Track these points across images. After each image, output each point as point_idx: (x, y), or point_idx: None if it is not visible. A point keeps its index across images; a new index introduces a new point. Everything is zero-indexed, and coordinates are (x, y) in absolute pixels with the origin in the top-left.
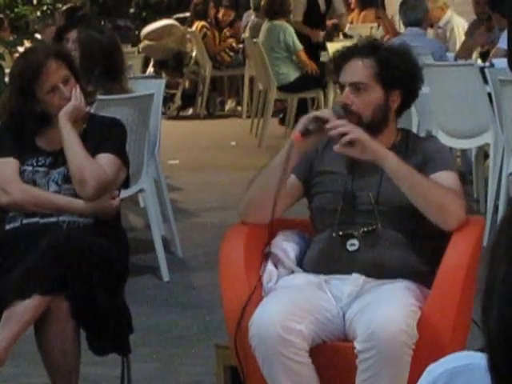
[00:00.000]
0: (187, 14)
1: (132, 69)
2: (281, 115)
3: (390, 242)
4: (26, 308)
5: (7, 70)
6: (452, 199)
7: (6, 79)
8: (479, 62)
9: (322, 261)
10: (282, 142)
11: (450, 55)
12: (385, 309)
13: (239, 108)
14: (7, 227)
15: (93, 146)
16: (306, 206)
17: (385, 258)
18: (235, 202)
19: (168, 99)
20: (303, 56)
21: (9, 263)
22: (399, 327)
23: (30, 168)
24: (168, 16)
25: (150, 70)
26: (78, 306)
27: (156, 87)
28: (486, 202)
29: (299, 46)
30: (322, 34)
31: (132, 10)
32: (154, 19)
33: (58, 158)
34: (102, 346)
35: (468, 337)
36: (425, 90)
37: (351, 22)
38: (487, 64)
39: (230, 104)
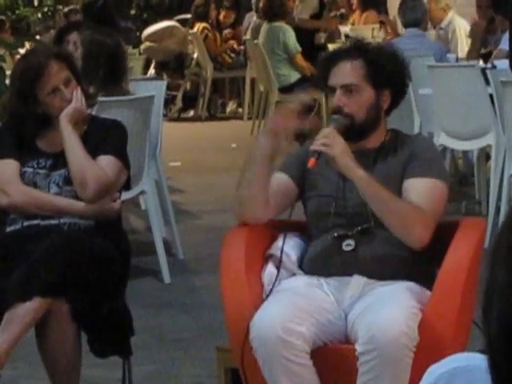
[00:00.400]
0: (188, 16)
1: (133, 70)
2: None
3: (385, 240)
4: (26, 310)
5: (8, 72)
6: (416, 220)
7: (7, 81)
8: (481, 63)
9: (321, 264)
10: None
11: (452, 56)
12: (386, 311)
13: (240, 110)
14: (8, 229)
15: (94, 148)
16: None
17: (381, 256)
18: None
19: (169, 101)
20: (299, 59)
21: (10, 265)
22: (400, 329)
23: (30, 170)
24: (169, 17)
25: (151, 71)
26: (79, 309)
27: (157, 89)
28: (487, 203)
29: (297, 48)
30: (334, 22)
31: (133, 12)
32: (155, 21)
33: (59, 159)
34: (102, 348)
35: (469, 338)
36: (427, 91)
37: (353, 24)
38: (489, 65)
39: (231, 106)
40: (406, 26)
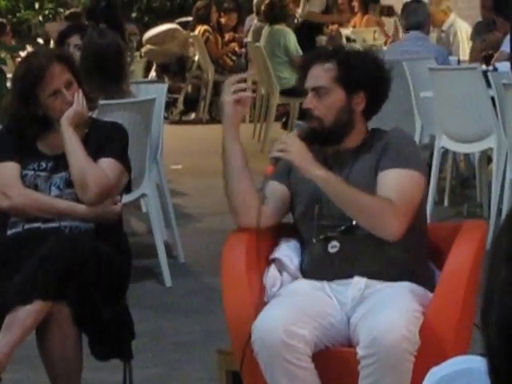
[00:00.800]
0: (190, 19)
1: (134, 73)
2: (283, 120)
3: (368, 237)
4: (27, 313)
5: (9, 75)
6: (383, 212)
7: (8, 84)
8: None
9: (314, 269)
10: None
11: (453, 59)
12: (387, 315)
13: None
14: (9, 232)
15: (94, 151)
16: None
17: (368, 253)
18: None
19: (170, 104)
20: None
21: (10, 268)
22: (401, 334)
23: (31, 172)
24: (170, 20)
25: (153, 74)
26: (80, 312)
27: (158, 92)
28: (489, 206)
29: (298, 51)
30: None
31: (134, 15)
32: (157, 23)
33: (60, 162)
34: (103, 351)
35: (470, 341)
36: (428, 93)
37: (354, 26)
38: (490, 68)
39: None
40: (408, 28)
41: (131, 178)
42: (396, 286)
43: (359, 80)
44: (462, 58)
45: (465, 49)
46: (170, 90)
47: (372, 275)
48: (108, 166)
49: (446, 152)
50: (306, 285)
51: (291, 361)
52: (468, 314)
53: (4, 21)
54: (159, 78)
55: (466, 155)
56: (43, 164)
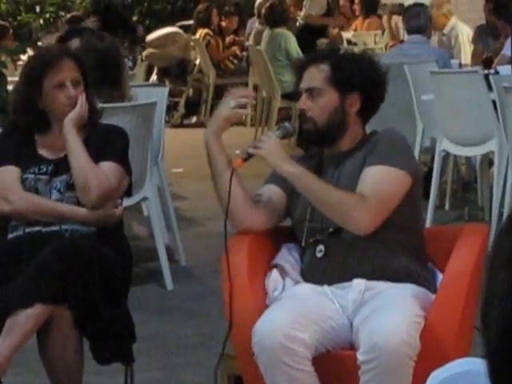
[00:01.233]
0: (191, 22)
1: (135, 77)
2: None
3: (354, 239)
4: (28, 317)
5: (10, 79)
6: (352, 206)
7: (9, 87)
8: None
9: (309, 274)
10: (287, 150)
11: (455, 62)
12: (387, 320)
13: (243, 116)
14: (10, 236)
15: (95, 154)
16: None
17: (353, 256)
18: None
19: (172, 107)
20: None
21: (11, 272)
22: (401, 339)
23: (31, 176)
24: (171, 24)
25: (154, 77)
26: (81, 315)
27: (159, 95)
28: (490, 209)
29: (299, 55)
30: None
31: (135, 18)
32: (158, 27)
33: (60, 165)
34: (105, 354)
35: (472, 344)
36: (429, 97)
37: (355, 29)
38: (492, 71)
39: None
40: (409, 32)
41: (132, 181)
42: (397, 288)
43: (353, 81)
44: (463, 61)
45: (466, 52)
46: (171, 94)
47: (370, 276)
48: (109, 169)
49: (447, 155)
50: (307, 289)
51: (291, 364)
52: (469, 318)
53: (6, 24)
54: (160, 82)
55: (468, 159)
56: (43, 167)
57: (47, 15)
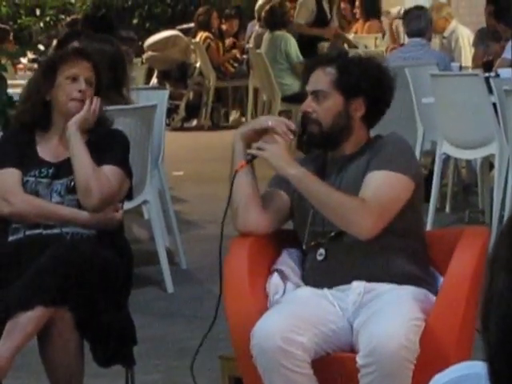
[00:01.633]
0: (191, 25)
1: (135, 80)
2: None
3: (356, 244)
4: (29, 319)
5: (10, 82)
6: (355, 211)
7: (9, 90)
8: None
9: (310, 277)
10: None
11: (455, 65)
12: (386, 324)
13: (243, 119)
14: (10, 238)
15: (96, 158)
16: None
17: (356, 261)
18: None
19: (172, 110)
20: (300, 69)
21: (12, 275)
22: (399, 343)
23: (32, 179)
24: (172, 27)
25: (154, 80)
26: (82, 318)
27: (159, 98)
28: (491, 212)
29: (299, 58)
30: (333, 31)
31: (135, 21)
32: (158, 30)
33: (61, 169)
34: (105, 357)
35: (473, 347)
36: (430, 100)
37: (356, 32)
38: (492, 74)
39: (234, 115)
40: (410, 35)
41: (132, 184)
42: (397, 290)
43: (358, 86)
44: (463, 64)
45: (467, 55)
46: (171, 97)
47: (370, 279)
48: (110, 172)
49: (447, 158)
50: (307, 292)
51: (289, 367)
52: (470, 321)
53: (7, 27)
54: (161, 85)
55: (468, 161)
56: (44, 170)
57: (47, 18)
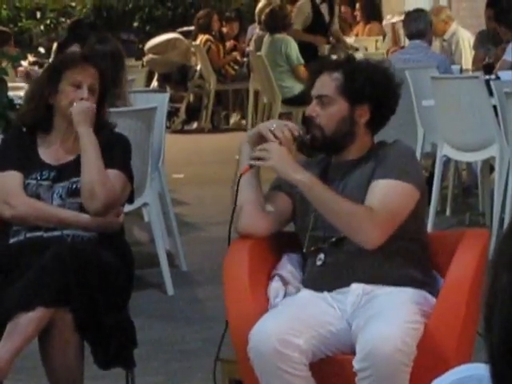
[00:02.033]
0: (191, 28)
1: (136, 83)
2: None
3: (356, 251)
4: (29, 320)
5: (10, 84)
6: (362, 220)
7: (10, 93)
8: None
9: (310, 281)
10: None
11: (456, 68)
12: (382, 327)
13: (244, 122)
14: (11, 241)
15: None
16: None
17: (356, 267)
18: None
19: (172, 113)
20: (302, 72)
21: (13, 277)
22: (395, 346)
23: (33, 182)
24: (172, 30)
25: (154, 83)
26: (82, 320)
27: (160, 101)
28: (491, 215)
29: (299, 60)
30: (324, 40)
31: (136, 24)
32: (158, 33)
33: (62, 171)
34: (106, 359)
35: (473, 349)
36: (430, 102)
37: (356, 35)
38: (493, 76)
39: (234, 118)
40: (410, 37)
41: (133, 188)
42: (396, 293)
43: (364, 93)
44: (464, 66)
45: (467, 58)
46: (171, 100)
47: (369, 281)
48: (113, 177)
49: (448, 161)
50: (307, 295)
51: (286, 370)
52: (470, 323)
53: (8, 30)
54: (161, 88)
55: (469, 164)
56: (45, 173)
57: (48, 21)
